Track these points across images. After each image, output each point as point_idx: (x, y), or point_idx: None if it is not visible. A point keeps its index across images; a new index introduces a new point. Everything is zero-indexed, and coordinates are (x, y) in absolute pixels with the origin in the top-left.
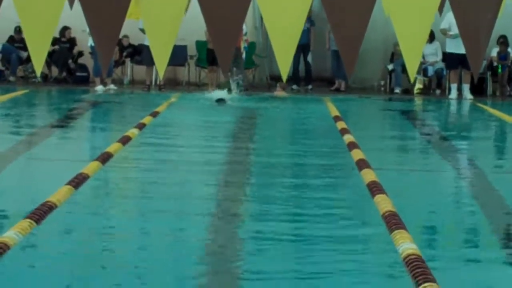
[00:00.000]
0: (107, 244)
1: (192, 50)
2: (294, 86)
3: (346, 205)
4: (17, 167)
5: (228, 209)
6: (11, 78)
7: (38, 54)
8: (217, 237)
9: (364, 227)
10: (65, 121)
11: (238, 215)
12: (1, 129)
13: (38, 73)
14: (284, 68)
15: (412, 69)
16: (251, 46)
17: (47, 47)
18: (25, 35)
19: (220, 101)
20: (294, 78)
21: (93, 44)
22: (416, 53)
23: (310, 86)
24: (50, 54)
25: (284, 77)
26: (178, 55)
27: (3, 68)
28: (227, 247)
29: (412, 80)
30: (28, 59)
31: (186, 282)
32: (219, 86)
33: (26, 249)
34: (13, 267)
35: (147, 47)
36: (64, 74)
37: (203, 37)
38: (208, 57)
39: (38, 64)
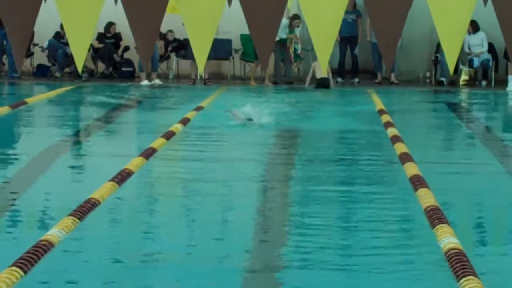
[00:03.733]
0: (151, 239)
1: (237, 44)
2: (339, 79)
3: (389, 199)
4: (62, 164)
5: (274, 199)
6: (58, 74)
7: (79, 50)
8: (264, 233)
9: (406, 222)
10: (110, 116)
11: (286, 204)
12: (48, 125)
13: (80, 69)
14: (324, 60)
15: (452, 60)
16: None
17: (88, 44)
18: (66, 31)
19: (248, 120)
20: (339, 70)
21: None
22: (456, 44)
23: (356, 79)
24: (96, 50)
25: (324, 70)
26: (223, 49)
27: (49, 64)
28: (274, 242)
29: (452, 72)
30: None
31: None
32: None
33: (70, 246)
34: (58, 264)
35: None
36: (110, 69)
37: (248, 30)
38: (253, 51)
39: (80, 60)
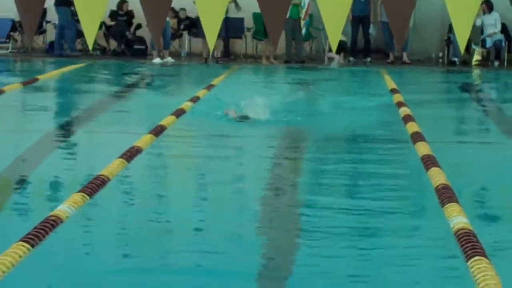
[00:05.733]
0: (162, 213)
1: (249, 22)
2: (351, 58)
3: (400, 178)
4: (73, 140)
5: (285, 178)
6: (69, 51)
7: (90, 28)
8: (273, 212)
9: (417, 200)
10: (121, 93)
11: (295, 184)
12: (59, 101)
13: (91, 47)
14: (334, 38)
15: (462, 40)
16: (310, 19)
17: (99, 21)
18: (77, 9)
19: (243, 118)
20: (351, 50)
21: None
22: (467, 24)
23: (368, 59)
24: (108, 28)
25: (334, 48)
26: (235, 27)
27: (62, 41)
28: (284, 220)
29: (462, 52)
30: None
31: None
32: None
33: (78, 222)
34: (66, 240)
35: None
36: (122, 47)
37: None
38: (265, 29)
39: (90, 38)
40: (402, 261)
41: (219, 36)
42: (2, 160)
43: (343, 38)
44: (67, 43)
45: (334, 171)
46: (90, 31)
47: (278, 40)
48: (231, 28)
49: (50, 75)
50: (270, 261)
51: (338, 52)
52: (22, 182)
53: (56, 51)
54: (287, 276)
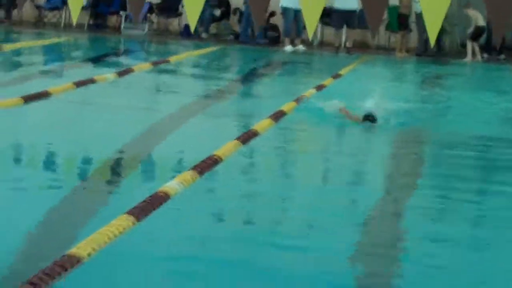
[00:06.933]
0: (280, 194)
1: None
2: (485, 55)
3: None
4: (193, 122)
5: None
6: (204, 35)
7: (192, 12)
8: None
9: None
10: (248, 79)
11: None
12: (189, 82)
13: (192, 29)
14: (433, 31)
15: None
16: None
17: (200, 8)
18: None
19: (369, 119)
20: (486, 47)
21: (283, 5)
22: None
23: (502, 56)
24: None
25: (432, 41)
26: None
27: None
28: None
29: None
30: (222, 17)
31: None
32: None
33: (186, 199)
34: (173, 215)
35: (335, 10)
36: (255, 33)
37: (395, 1)
38: (398, 21)
39: (193, 21)
40: None
41: (352, 26)
42: (125, 136)
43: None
44: (202, 26)
45: None
46: (193, 14)
47: (377, 29)
48: (364, 19)
49: (182, 57)
50: None
51: (474, 38)
52: (139, 158)
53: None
54: None
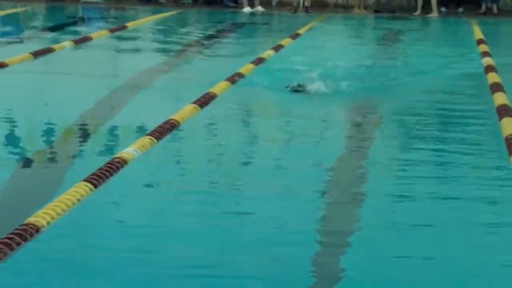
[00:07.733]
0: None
1: None
2: (443, 9)
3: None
4: (153, 87)
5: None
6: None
7: None
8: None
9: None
10: (206, 41)
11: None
12: (147, 47)
13: None
14: None
15: None
16: None
17: None
18: None
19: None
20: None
21: None
22: None
23: (460, 9)
24: None
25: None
26: None
27: None
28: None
29: None
30: None
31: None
32: None
33: (143, 164)
34: (129, 181)
35: None
36: None
37: None
38: None
39: None
40: None
41: None
42: (84, 104)
43: None
44: None
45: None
46: None
47: None
48: None
49: (140, 23)
50: None
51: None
52: (96, 123)
53: None
54: None
